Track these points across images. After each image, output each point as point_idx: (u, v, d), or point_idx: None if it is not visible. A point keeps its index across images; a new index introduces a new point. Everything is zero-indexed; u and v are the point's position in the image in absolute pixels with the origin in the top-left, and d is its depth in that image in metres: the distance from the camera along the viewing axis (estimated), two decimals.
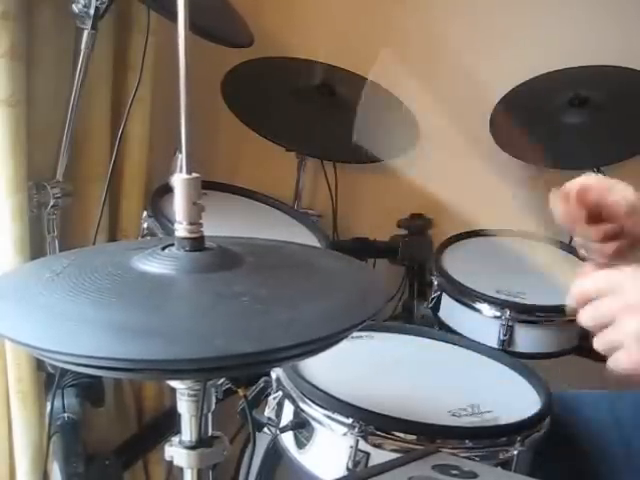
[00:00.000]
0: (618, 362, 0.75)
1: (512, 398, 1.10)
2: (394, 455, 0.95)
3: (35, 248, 1.26)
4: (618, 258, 0.86)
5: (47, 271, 0.70)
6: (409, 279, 1.77)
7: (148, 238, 1.32)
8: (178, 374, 0.64)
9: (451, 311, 1.44)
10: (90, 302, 0.64)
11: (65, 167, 1.31)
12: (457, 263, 1.50)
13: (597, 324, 0.77)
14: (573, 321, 1.42)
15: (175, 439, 0.75)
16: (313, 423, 1.02)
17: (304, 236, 1.46)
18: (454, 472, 0.79)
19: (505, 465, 0.99)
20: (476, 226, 1.67)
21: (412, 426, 0.97)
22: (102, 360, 0.56)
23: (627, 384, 0.78)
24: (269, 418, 1.08)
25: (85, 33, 1.25)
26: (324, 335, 0.62)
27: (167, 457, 0.75)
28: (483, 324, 1.38)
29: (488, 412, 1.05)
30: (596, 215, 0.87)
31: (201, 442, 0.74)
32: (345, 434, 0.98)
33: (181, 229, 0.71)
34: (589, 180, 0.89)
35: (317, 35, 1.79)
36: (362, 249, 1.76)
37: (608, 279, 0.79)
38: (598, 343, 0.77)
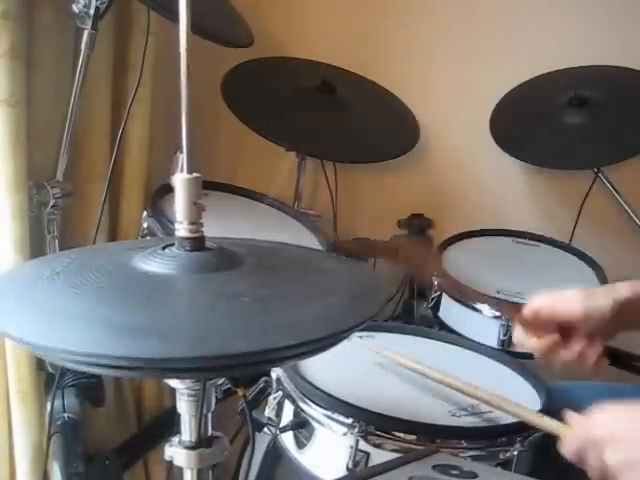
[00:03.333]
0: None
1: (512, 398, 1.10)
2: (394, 455, 0.96)
3: (35, 248, 1.26)
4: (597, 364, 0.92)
5: (47, 270, 0.70)
6: (409, 279, 1.77)
7: (148, 238, 1.32)
8: (178, 373, 0.64)
9: (451, 311, 1.44)
10: (90, 301, 0.64)
11: (65, 167, 1.31)
12: (457, 263, 1.50)
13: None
14: None
15: (175, 439, 0.75)
16: (313, 423, 1.02)
17: (304, 236, 1.46)
18: (454, 472, 0.79)
19: (505, 465, 0.99)
20: (476, 226, 1.68)
21: (412, 426, 0.97)
22: (102, 358, 0.56)
23: None
24: (269, 418, 1.08)
25: (85, 33, 1.25)
26: (324, 335, 0.62)
27: (167, 457, 0.75)
28: (483, 324, 1.38)
29: (488, 412, 1.05)
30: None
31: (201, 442, 0.74)
32: (345, 434, 0.98)
33: (182, 229, 0.71)
34: (535, 304, 0.94)
35: (317, 35, 1.79)
36: (362, 249, 1.76)
37: (578, 441, 0.81)
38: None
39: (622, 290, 0.93)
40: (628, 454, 0.75)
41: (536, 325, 0.94)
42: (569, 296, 0.94)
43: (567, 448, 0.82)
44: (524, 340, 0.95)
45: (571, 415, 0.83)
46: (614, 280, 1.44)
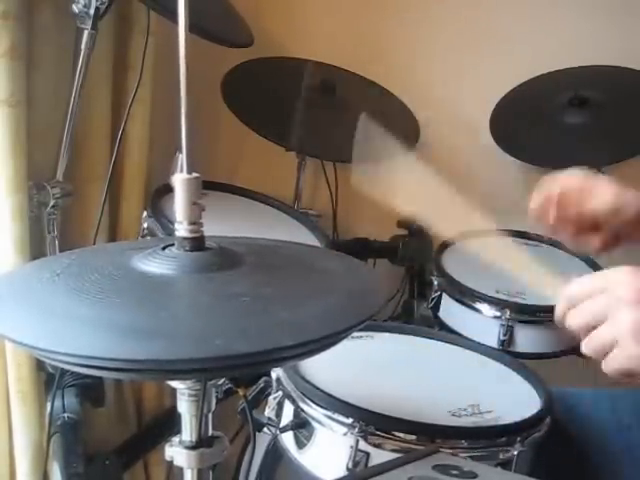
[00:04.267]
0: (614, 362, 0.72)
1: (512, 398, 1.10)
2: (394, 455, 0.95)
3: (35, 248, 1.26)
4: (604, 250, 0.86)
5: (47, 271, 0.70)
6: (409, 279, 1.77)
7: (148, 238, 1.32)
8: (178, 374, 0.64)
9: (451, 311, 1.44)
10: (90, 302, 0.64)
11: (65, 167, 1.31)
12: (457, 263, 1.50)
13: (587, 324, 0.74)
14: None
15: (175, 439, 0.75)
16: (313, 423, 1.02)
17: (304, 236, 1.46)
18: (454, 472, 0.79)
19: (505, 465, 0.99)
20: (476, 226, 1.67)
21: (412, 426, 0.97)
22: (102, 360, 0.56)
23: (627, 383, 0.75)
24: (269, 418, 1.08)
25: (85, 33, 1.25)
26: (324, 335, 0.62)
27: (167, 457, 0.75)
28: (483, 324, 1.38)
29: (488, 412, 1.05)
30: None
31: (201, 442, 0.74)
32: (345, 434, 0.98)
33: (181, 229, 0.71)
34: (570, 182, 0.90)
35: (317, 35, 1.79)
36: (362, 249, 1.76)
37: (595, 280, 0.76)
38: (588, 346, 0.75)
39: None
40: None
41: (559, 201, 0.91)
42: (604, 184, 0.91)
43: (576, 285, 0.77)
44: (540, 208, 0.92)
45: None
46: None
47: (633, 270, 0.74)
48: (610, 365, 0.73)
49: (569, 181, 0.90)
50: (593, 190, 0.89)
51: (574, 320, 0.76)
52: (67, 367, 0.61)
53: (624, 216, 0.88)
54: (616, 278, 0.74)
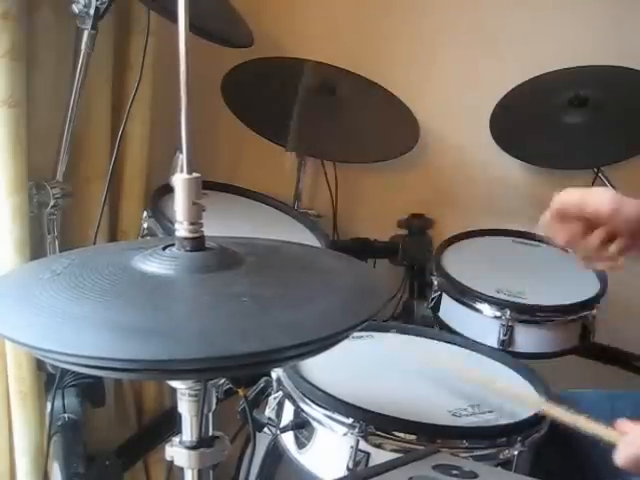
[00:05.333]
0: None
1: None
2: (394, 455, 0.96)
3: (35, 248, 1.26)
4: (623, 255, 0.88)
5: (47, 271, 0.70)
6: (409, 279, 1.77)
7: (148, 238, 1.32)
8: (178, 374, 0.64)
9: (451, 311, 1.44)
10: (90, 302, 0.64)
11: (65, 167, 1.31)
12: (457, 263, 1.50)
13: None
14: (573, 321, 1.44)
15: (176, 439, 0.75)
16: (313, 423, 1.02)
17: (304, 236, 1.46)
18: (454, 472, 0.79)
19: (505, 465, 0.99)
20: (476, 226, 1.68)
21: (412, 426, 0.97)
22: (102, 360, 0.56)
23: None
24: (269, 418, 1.08)
25: (85, 33, 1.25)
26: (324, 335, 0.62)
27: (167, 457, 0.75)
28: (483, 324, 1.38)
29: (488, 412, 1.05)
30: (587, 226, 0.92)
31: (201, 442, 0.74)
32: (345, 434, 0.98)
33: (182, 229, 0.71)
34: (567, 196, 0.94)
35: (317, 35, 1.79)
36: (362, 249, 1.76)
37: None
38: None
39: None
40: None
41: (563, 216, 0.94)
42: (600, 190, 0.94)
43: (623, 457, 0.82)
44: (549, 226, 0.95)
45: (624, 423, 0.83)
46: (614, 280, 1.45)
47: None
48: None
49: (566, 195, 0.92)
50: (590, 196, 0.91)
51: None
52: (67, 367, 0.61)
53: (626, 215, 0.90)
54: None
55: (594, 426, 0.87)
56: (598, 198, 0.92)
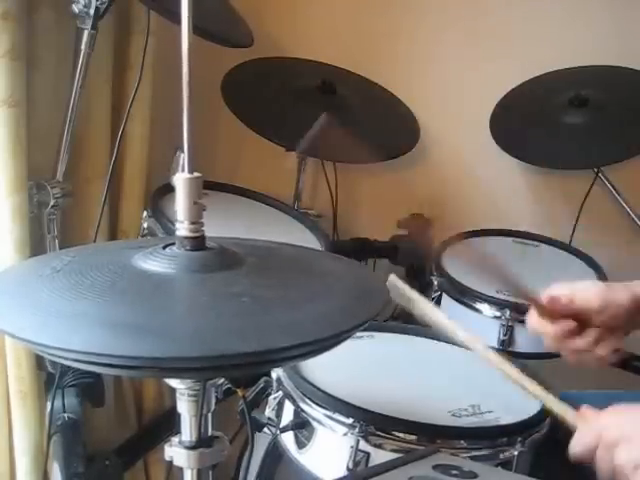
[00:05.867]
0: None
1: (512, 398, 1.10)
2: (394, 455, 0.95)
3: (35, 248, 1.26)
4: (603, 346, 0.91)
5: (47, 268, 0.70)
6: (409, 279, 1.77)
7: (148, 238, 1.32)
8: (177, 372, 0.64)
9: (451, 311, 1.44)
10: (90, 299, 0.64)
11: (65, 167, 1.31)
12: (457, 263, 1.50)
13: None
14: None
15: (175, 439, 0.75)
16: (313, 423, 1.02)
17: (304, 236, 1.46)
18: (454, 472, 0.79)
19: (505, 465, 0.99)
20: (476, 226, 1.68)
21: (412, 426, 0.97)
22: (101, 357, 0.56)
23: None
24: (269, 418, 1.08)
25: (85, 33, 1.25)
26: (325, 336, 0.62)
27: (167, 457, 0.75)
28: (483, 324, 1.38)
29: (488, 412, 1.05)
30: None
31: (201, 442, 0.74)
32: (345, 434, 0.98)
33: (182, 228, 0.71)
34: (554, 290, 0.94)
35: (317, 35, 1.79)
36: (362, 249, 1.76)
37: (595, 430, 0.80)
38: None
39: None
40: (637, 454, 0.75)
41: (552, 312, 0.93)
42: (588, 285, 0.94)
43: (578, 444, 0.81)
44: (538, 325, 0.94)
45: (585, 410, 0.83)
46: (614, 280, 1.44)
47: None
48: None
49: (556, 288, 0.93)
50: (578, 290, 0.92)
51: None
52: (67, 363, 0.61)
53: (613, 310, 0.91)
54: (607, 426, 0.80)
55: (561, 406, 0.87)
56: (586, 294, 0.92)
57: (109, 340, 0.58)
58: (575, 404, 1.06)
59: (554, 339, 0.94)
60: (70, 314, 0.61)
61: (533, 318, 0.95)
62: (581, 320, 0.93)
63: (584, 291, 0.93)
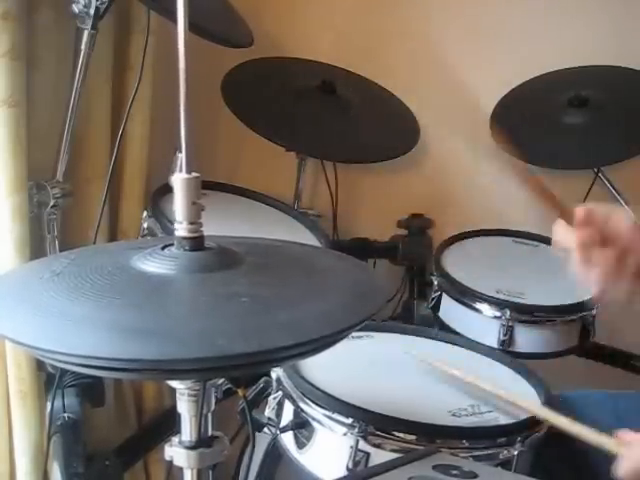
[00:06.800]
0: None
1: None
2: (394, 455, 0.95)
3: (35, 248, 1.26)
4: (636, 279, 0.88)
5: (47, 271, 0.70)
6: (409, 279, 1.77)
7: (148, 238, 1.32)
8: (178, 374, 0.64)
9: (451, 311, 1.44)
10: (90, 302, 0.64)
11: (65, 167, 1.31)
12: (457, 263, 1.50)
13: None
14: (573, 321, 1.44)
15: (175, 439, 0.75)
16: (313, 423, 1.02)
17: (304, 236, 1.46)
18: (454, 472, 0.79)
19: (505, 465, 0.99)
20: (476, 226, 1.68)
21: (412, 426, 0.97)
22: (102, 360, 0.56)
23: None
24: (269, 418, 1.08)
25: (85, 33, 1.25)
26: (324, 335, 0.62)
27: (167, 457, 0.75)
28: (483, 324, 1.37)
29: (488, 412, 1.05)
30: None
31: (201, 442, 0.74)
32: (345, 434, 0.98)
33: (181, 229, 0.71)
34: (592, 206, 0.93)
35: (317, 35, 1.79)
36: (362, 249, 1.76)
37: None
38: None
39: None
40: None
41: (584, 223, 0.92)
42: (625, 216, 0.93)
43: (627, 471, 0.81)
44: (565, 234, 0.93)
45: (624, 435, 0.83)
46: None
47: None
48: None
49: (589, 206, 0.92)
50: (614, 212, 0.92)
51: None
52: (66, 367, 0.61)
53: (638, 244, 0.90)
54: None
55: (593, 435, 0.87)
56: (620, 216, 0.91)
57: (109, 343, 0.58)
58: (575, 404, 1.07)
59: (578, 247, 0.91)
60: (69, 318, 0.61)
61: (560, 229, 0.94)
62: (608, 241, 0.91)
63: (619, 220, 0.91)
